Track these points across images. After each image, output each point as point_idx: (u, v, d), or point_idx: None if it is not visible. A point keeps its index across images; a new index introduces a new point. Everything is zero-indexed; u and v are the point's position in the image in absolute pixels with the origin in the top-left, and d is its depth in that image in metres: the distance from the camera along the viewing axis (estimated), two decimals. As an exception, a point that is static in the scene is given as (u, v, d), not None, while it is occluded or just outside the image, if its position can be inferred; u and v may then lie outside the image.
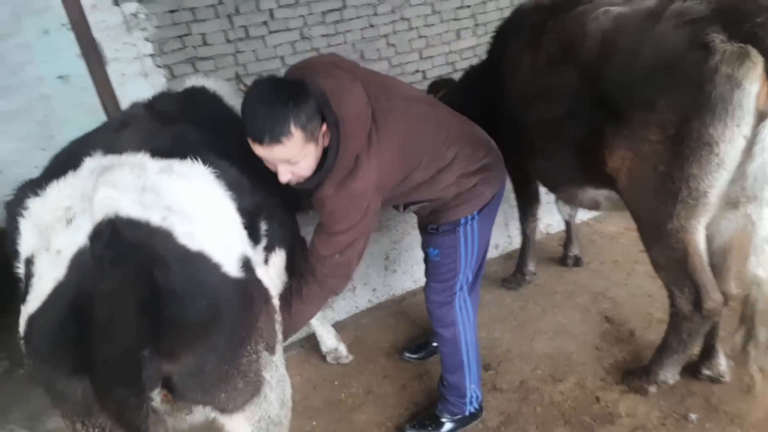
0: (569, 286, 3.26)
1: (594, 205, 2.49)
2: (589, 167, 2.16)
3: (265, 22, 3.27)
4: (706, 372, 2.31)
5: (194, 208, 1.36)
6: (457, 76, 3.37)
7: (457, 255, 2.04)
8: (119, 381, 1.12)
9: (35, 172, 1.44)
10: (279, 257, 1.79)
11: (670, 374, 2.24)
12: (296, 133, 1.48)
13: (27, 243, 1.30)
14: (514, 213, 3.32)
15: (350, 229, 1.69)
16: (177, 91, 2.01)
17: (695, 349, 2.29)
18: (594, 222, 3.91)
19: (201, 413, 1.43)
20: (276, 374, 1.55)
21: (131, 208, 1.23)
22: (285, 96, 1.47)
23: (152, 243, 1.22)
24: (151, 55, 3.04)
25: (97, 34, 2.87)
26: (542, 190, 3.13)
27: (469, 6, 3.94)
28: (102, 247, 1.15)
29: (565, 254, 3.47)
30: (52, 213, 1.27)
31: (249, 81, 3.07)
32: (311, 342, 3.01)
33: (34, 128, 2.92)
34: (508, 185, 3.41)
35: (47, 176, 1.35)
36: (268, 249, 1.68)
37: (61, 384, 1.11)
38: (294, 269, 1.93)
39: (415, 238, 2.94)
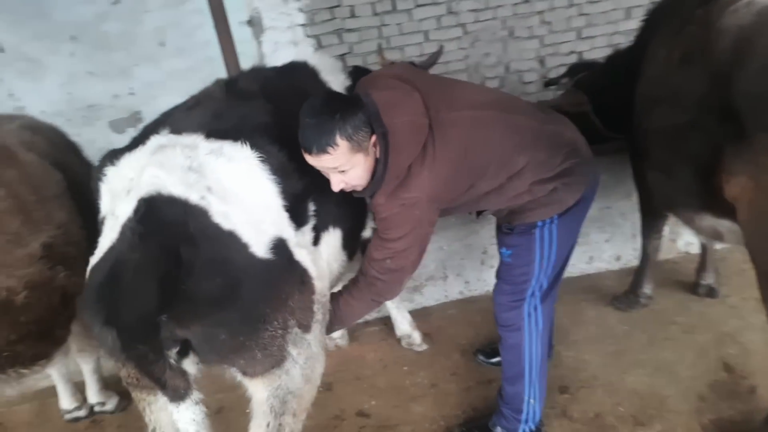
0: (692, 318, 2.80)
1: (715, 236, 2.08)
2: (708, 191, 1.80)
3: (413, -5, 3.22)
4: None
5: (233, 189, 1.47)
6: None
7: (531, 258, 1.94)
8: (139, 339, 1.30)
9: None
10: (334, 236, 1.84)
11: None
12: (342, 144, 1.54)
13: (103, 205, 1.54)
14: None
15: (403, 237, 1.72)
16: (272, 66, 2.13)
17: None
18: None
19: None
20: (306, 351, 1.62)
21: (174, 187, 1.38)
22: (334, 109, 1.55)
23: (185, 221, 1.35)
24: (303, 25, 3.20)
25: (258, 3, 3.11)
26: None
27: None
28: (136, 221, 1.31)
29: (696, 281, 2.98)
30: (120, 182, 1.48)
31: (390, 55, 3.13)
32: (395, 322, 3.06)
33: (199, 87, 3.30)
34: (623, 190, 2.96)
35: (127, 148, 1.57)
36: (319, 229, 1.74)
37: (97, 330, 1.31)
38: (353, 247, 1.99)
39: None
